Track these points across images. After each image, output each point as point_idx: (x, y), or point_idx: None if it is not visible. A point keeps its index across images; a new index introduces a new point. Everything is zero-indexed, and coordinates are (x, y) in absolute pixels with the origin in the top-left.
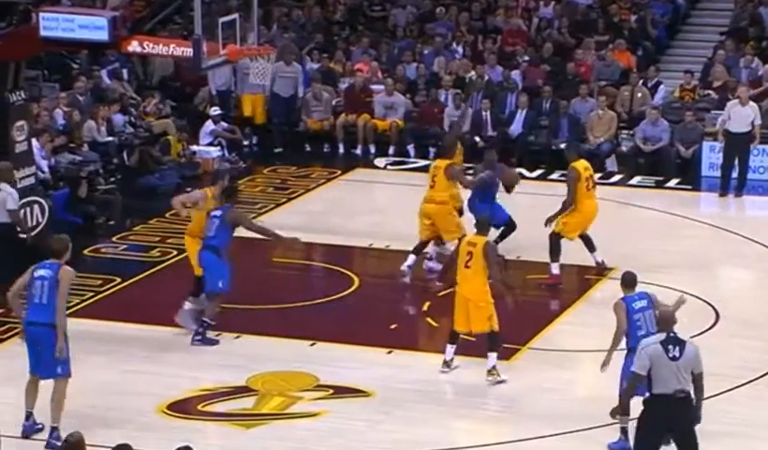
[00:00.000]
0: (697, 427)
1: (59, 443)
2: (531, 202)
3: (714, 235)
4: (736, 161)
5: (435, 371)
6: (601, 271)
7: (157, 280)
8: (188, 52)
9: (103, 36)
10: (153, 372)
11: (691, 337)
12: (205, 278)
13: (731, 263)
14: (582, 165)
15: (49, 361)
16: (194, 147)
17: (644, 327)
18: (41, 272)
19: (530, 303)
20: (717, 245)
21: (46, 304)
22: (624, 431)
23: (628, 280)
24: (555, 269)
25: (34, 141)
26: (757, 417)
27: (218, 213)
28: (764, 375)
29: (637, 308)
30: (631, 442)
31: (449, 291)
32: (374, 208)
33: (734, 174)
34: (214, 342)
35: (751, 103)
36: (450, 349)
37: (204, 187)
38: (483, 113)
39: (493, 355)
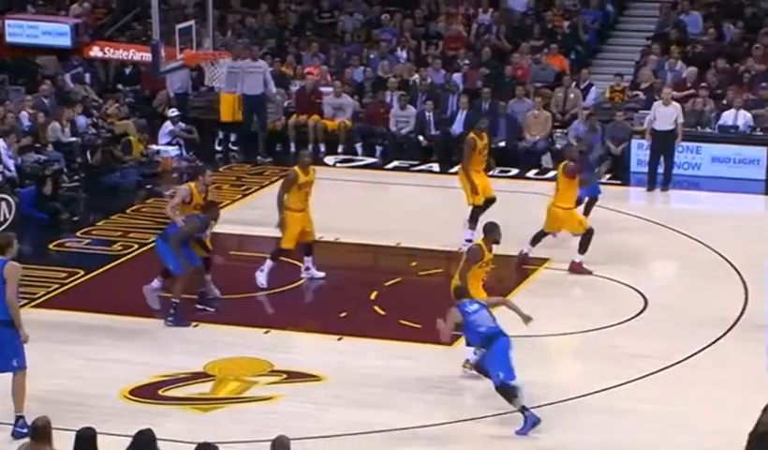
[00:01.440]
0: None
1: (25, 431)
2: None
3: (642, 228)
4: (662, 158)
5: (383, 357)
6: (523, 261)
7: (119, 273)
8: (147, 56)
9: (66, 42)
10: (116, 359)
11: (622, 322)
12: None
13: (659, 254)
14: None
15: (5, 356)
16: (155, 147)
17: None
18: None
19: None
20: (646, 236)
21: None
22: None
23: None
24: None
25: (0, 141)
26: (680, 397)
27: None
28: (689, 357)
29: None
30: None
31: (394, 281)
32: (324, 203)
33: (660, 170)
34: (186, 323)
35: (674, 103)
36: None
37: (185, 183)
38: (427, 114)
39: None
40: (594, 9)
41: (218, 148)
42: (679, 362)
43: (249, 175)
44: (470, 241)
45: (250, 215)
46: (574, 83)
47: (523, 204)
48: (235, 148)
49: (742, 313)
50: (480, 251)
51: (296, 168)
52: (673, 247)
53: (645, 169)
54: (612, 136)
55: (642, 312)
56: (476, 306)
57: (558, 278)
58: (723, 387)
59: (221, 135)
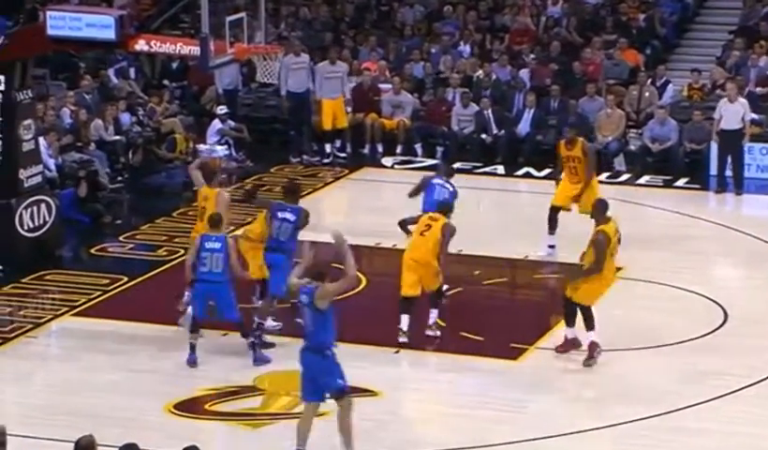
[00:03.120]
0: (701, 426)
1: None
2: (541, 200)
3: (720, 234)
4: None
5: (442, 371)
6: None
7: (164, 280)
8: (195, 50)
9: (110, 34)
10: (160, 371)
11: (699, 336)
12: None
13: (739, 263)
14: (611, 228)
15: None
16: (200, 146)
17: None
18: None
19: (536, 303)
20: (725, 243)
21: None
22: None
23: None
24: (570, 334)
25: (41, 139)
26: (765, 416)
27: (291, 218)
28: None
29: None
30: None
31: (455, 291)
32: (381, 207)
33: (729, 172)
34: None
35: (741, 100)
36: (406, 318)
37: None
38: (485, 112)
39: (435, 312)
40: (672, 1)
41: (326, 161)
42: (763, 380)
43: (301, 178)
44: (552, 247)
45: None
46: (650, 80)
47: None
48: (342, 155)
49: None
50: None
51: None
52: (754, 256)
53: (726, 172)
54: (689, 137)
55: (721, 326)
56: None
57: (632, 289)
58: None
59: (328, 147)
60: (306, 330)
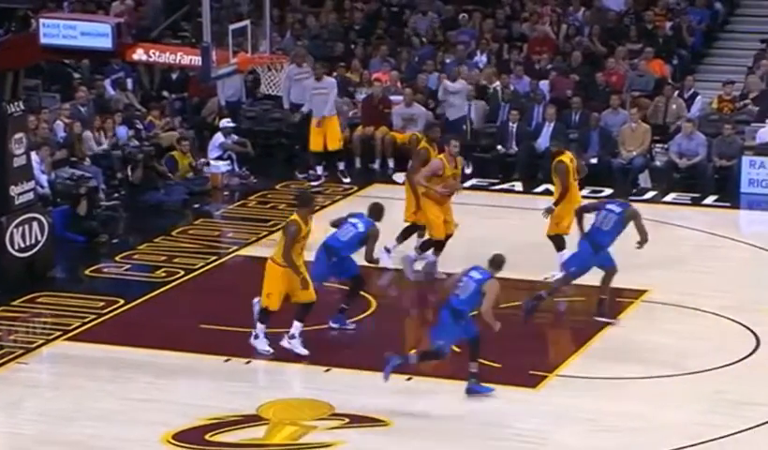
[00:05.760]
0: None
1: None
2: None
3: (754, 256)
4: None
5: (455, 399)
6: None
7: (163, 302)
8: (197, 60)
9: (106, 43)
10: (157, 399)
11: (730, 363)
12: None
13: None
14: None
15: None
16: (204, 161)
17: None
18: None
19: (553, 327)
20: (758, 266)
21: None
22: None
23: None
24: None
25: (33, 154)
26: None
27: (478, 277)
28: None
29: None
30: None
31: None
32: (393, 226)
33: None
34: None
35: None
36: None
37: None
38: (510, 125)
39: (300, 325)
40: (700, 9)
41: (314, 183)
42: None
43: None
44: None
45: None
46: (677, 92)
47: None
48: (346, 180)
49: None
50: None
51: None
52: None
53: (757, 189)
54: (719, 152)
55: (753, 353)
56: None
57: (658, 312)
58: None
59: (319, 170)
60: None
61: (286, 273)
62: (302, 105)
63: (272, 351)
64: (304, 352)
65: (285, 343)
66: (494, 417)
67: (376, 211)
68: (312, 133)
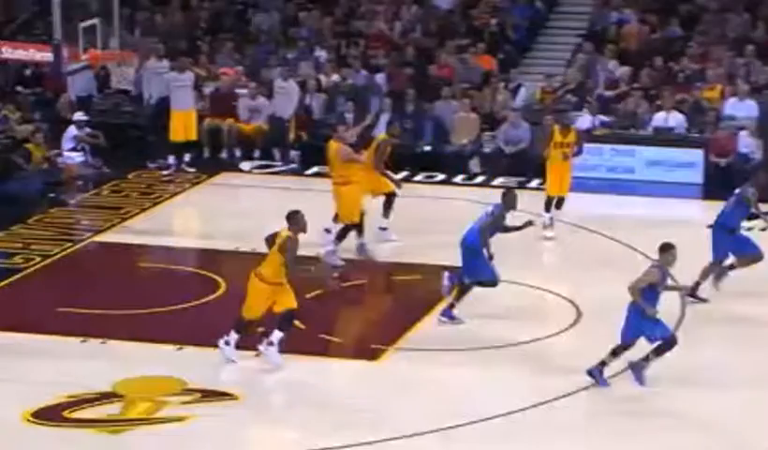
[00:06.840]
0: None
1: None
2: (399, 202)
3: (571, 233)
4: None
5: (302, 373)
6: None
7: (20, 287)
8: (49, 57)
9: None
10: (16, 380)
11: (550, 335)
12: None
13: (594, 263)
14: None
15: None
16: (57, 151)
17: None
18: None
19: (393, 303)
20: (576, 242)
21: None
22: None
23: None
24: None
25: None
26: None
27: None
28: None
29: None
30: None
31: (315, 294)
32: (240, 212)
33: None
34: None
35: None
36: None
37: None
38: (347, 116)
39: (281, 334)
40: (523, 6)
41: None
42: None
43: (159, 183)
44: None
45: (160, 224)
46: (503, 84)
47: (449, 211)
48: (191, 169)
49: None
50: None
51: None
52: (609, 256)
53: (582, 173)
54: (542, 139)
55: (574, 325)
56: None
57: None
58: None
59: (171, 159)
60: None
61: (274, 290)
62: (163, 96)
63: (236, 361)
64: (280, 361)
65: (262, 348)
66: (338, 388)
67: (511, 198)
68: (172, 123)
